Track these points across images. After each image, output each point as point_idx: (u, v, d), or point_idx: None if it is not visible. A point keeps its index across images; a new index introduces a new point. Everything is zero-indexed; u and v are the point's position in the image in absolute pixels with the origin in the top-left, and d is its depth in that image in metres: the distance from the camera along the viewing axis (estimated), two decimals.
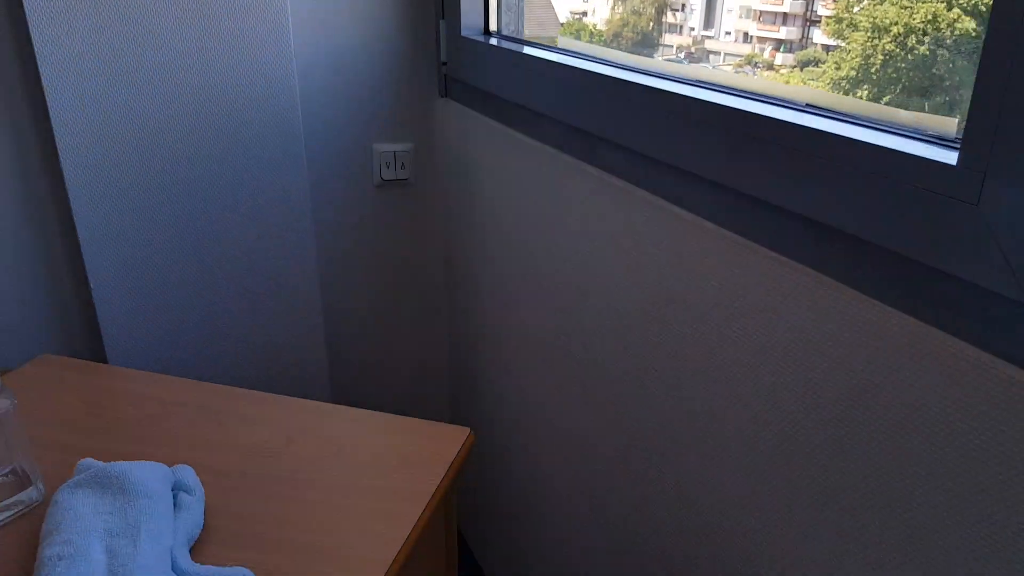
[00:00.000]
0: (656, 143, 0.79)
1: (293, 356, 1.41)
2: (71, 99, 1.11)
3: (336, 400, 1.61)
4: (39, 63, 1.09)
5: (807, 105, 0.69)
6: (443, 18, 1.34)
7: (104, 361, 1.33)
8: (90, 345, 1.33)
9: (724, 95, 0.74)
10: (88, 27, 1.08)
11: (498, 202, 1.23)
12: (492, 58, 1.16)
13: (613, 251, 0.91)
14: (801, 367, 0.65)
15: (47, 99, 1.10)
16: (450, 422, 1.76)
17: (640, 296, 0.88)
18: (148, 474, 0.75)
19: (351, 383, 1.61)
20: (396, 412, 1.68)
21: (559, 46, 1.06)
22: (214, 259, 1.28)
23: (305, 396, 1.44)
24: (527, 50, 1.07)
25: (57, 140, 1.12)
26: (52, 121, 1.12)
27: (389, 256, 1.54)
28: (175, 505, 0.76)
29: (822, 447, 0.64)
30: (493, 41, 1.21)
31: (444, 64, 1.37)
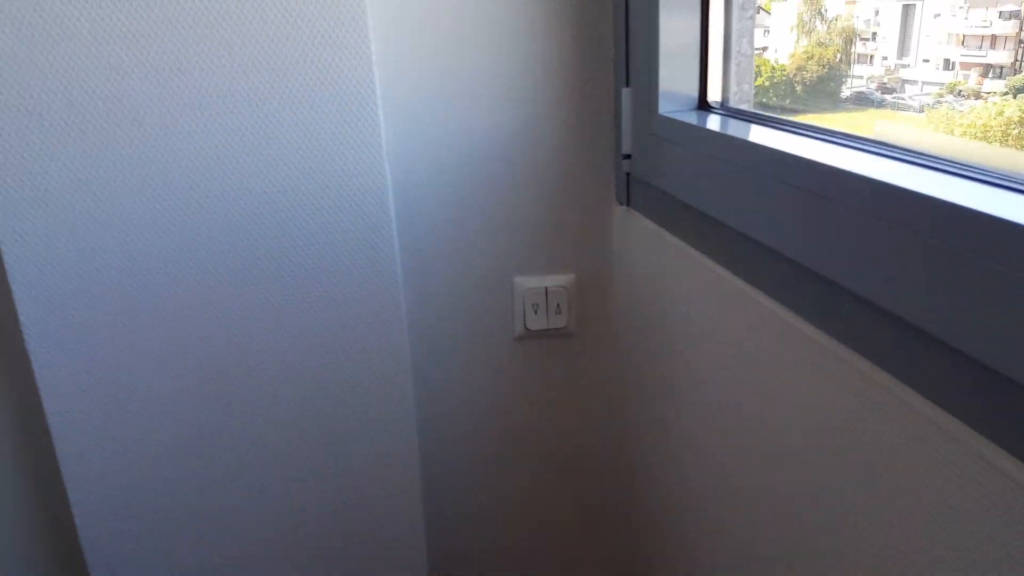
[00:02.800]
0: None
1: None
2: None
3: None
4: None
5: None
6: (627, 85, 0.83)
7: None
8: None
9: None
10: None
11: (710, 375, 0.68)
12: (714, 151, 0.63)
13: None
14: None
15: None
16: None
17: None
18: None
19: None
20: None
21: (875, 137, 0.51)
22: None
23: None
24: (784, 146, 0.53)
25: None
26: None
27: (535, 443, 1.02)
28: None
29: None
30: (714, 123, 0.68)
31: (626, 158, 0.86)
